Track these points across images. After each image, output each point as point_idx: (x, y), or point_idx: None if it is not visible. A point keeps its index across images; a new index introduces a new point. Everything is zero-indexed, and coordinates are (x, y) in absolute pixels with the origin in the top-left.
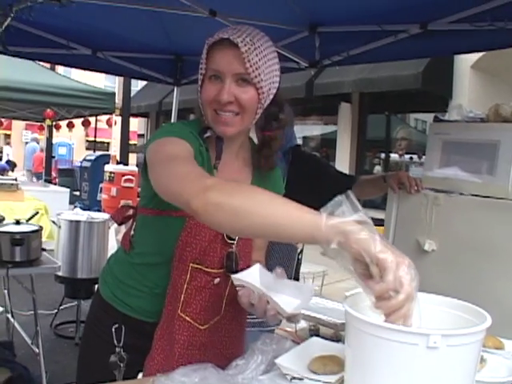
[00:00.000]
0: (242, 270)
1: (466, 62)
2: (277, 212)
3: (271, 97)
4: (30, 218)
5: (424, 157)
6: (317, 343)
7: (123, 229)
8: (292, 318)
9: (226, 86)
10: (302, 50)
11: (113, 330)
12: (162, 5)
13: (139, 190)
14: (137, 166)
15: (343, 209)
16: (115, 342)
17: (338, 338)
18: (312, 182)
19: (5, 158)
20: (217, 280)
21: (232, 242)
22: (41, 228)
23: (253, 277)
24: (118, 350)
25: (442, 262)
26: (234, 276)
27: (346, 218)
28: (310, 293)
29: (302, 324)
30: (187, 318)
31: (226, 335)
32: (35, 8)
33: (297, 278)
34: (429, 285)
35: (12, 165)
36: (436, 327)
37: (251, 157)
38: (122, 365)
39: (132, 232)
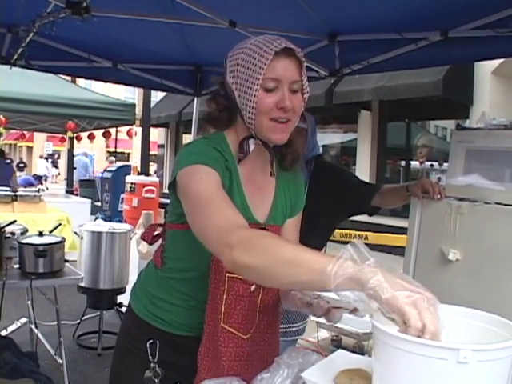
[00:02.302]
0: None
1: (486, 67)
2: (299, 271)
3: None
4: (52, 230)
5: (445, 164)
6: (342, 356)
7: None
8: (356, 312)
9: (286, 93)
10: (322, 59)
11: (147, 345)
12: (183, 17)
13: (160, 200)
14: (157, 176)
15: (353, 257)
16: (150, 357)
17: (360, 348)
18: (334, 192)
19: (43, 172)
20: (253, 287)
21: None
22: (64, 239)
23: None
24: (152, 365)
25: (466, 272)
26: None
27: (354, 268)
28: None
29: (324, 334)
30: (230, 329)
31: (262, 343)
32: (57, 23)
33: None
34: (453, 295)
35: (38, 179)
36: (465, 341)
37: (275, 160)
38: (156, 380)
39: (162, 248)
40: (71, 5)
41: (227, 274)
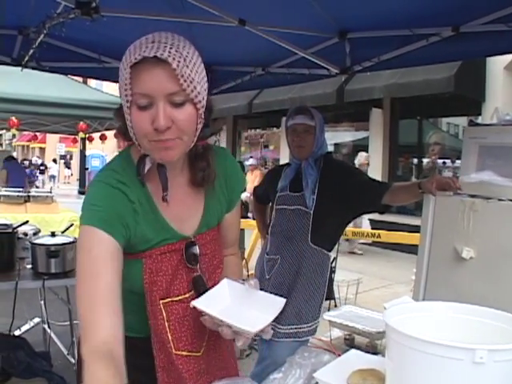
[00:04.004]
0: (211, 287)
1: (498, 63)
2: None
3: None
4: (65, 230)
5: (457, 161)
6: (355, 356)
7: None
8: (260, 333)
9: (161, 110)
10: (333, 57)
11: None
12: (192, 16)
13: None
14: None
15: None
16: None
17: (373, 347)
18: (343, 189)
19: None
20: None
21: (194, 266)
22: (75, 240)
23: (220, 295)
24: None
25: (480, 270)
26: (193, 303)
27: None
28: (279, 306)
29: (337, 333)
30: (184, 353)
31: (219, 349)
32: (67, 24)
33: (330, 286)
34: (467, 294)
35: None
36: (480, 341)
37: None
38: None
39: None
40: (80, 5)
41: (161, 301)
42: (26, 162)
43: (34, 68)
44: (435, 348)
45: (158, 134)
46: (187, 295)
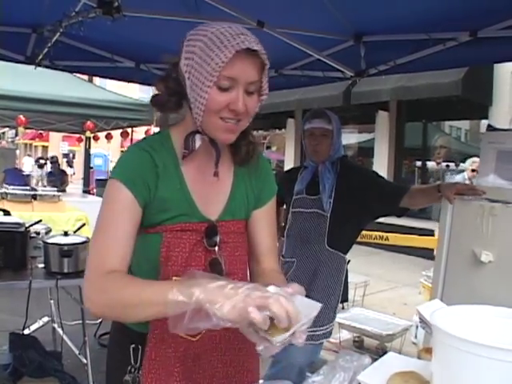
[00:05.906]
0: (228, 275)
1: (506, 67)
2: (141, 309)
3: None
4: (77, 230)
5: (461, 164)
6: (394, 359)
7: None
8: (291, 338)
9: (240, 95)
10: (347, 60)
11: (130, 349)
12: (210, 16)
13: None
14: None
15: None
16: (132, 361)
17: (383, 350)
18: (360, 193)
19: (29, 169)
20: None
21: (213, 248)
22: (88, 239)
23: None
24: (129, 368)
25: (499, 274)
26: None
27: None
28: (314, 311)
29: (346, 335)
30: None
31: (222, 341)
32: (84, 23)
33: (346, 288)
34: (485, 297)
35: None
36: None
37: (229, 152)
38: None
39: None
40: (102, 4)
41: (174, 278)
42: (42, 161)
43: (47, 66)
44: (487, 350)
45: (231, 114)
46: None
